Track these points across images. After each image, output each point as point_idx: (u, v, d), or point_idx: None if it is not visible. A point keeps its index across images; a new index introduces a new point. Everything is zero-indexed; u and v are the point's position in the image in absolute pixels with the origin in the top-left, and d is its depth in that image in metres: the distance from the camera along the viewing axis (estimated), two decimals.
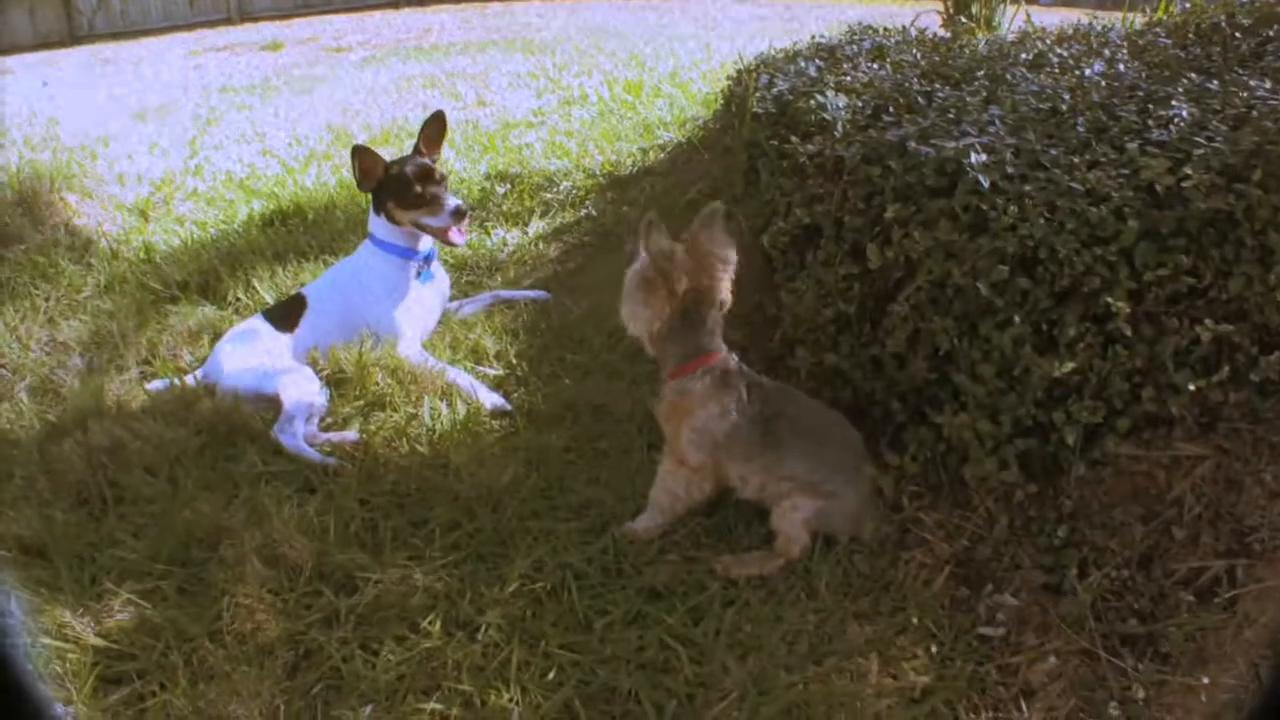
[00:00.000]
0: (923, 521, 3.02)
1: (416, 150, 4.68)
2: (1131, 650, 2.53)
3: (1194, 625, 2.50)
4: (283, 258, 5.33)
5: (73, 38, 19.46)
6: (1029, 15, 6.73)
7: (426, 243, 4.61)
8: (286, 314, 4.46)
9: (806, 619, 2.76)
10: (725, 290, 3.03)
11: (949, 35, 5.71)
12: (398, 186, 4.48)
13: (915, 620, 2.74)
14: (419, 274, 4.57)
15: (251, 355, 4.18)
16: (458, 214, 4.49)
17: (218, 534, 3.20)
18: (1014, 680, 2.55)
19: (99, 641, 2.82)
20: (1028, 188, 2.97)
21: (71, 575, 3.09)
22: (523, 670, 2.66)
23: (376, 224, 4.58)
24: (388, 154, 7.47)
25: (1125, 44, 4.57)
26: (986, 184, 2.99)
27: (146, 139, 8.46)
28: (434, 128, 4.75)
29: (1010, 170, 3.05)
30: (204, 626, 2.85)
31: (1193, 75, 3.68)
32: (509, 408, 3.96)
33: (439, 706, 2.58)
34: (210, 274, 5.21)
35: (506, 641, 2.76)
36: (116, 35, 19.40)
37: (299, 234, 5.77)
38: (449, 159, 7.28)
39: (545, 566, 3.02)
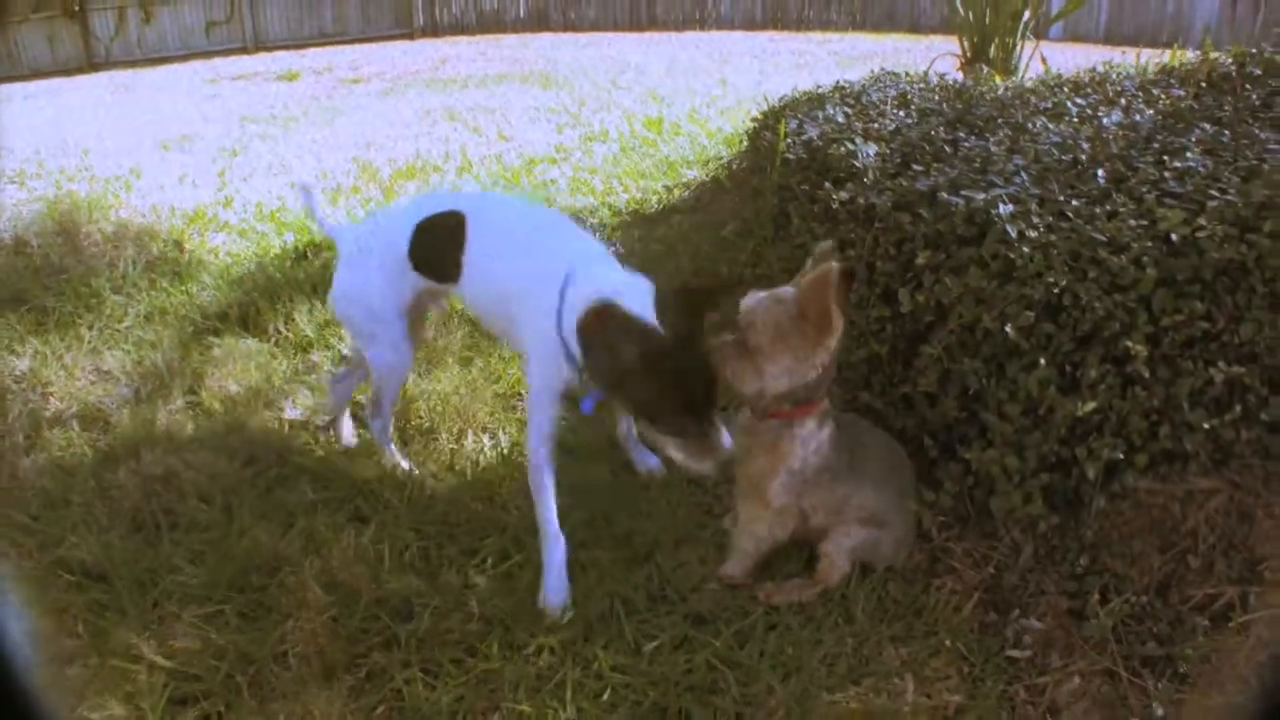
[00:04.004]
0: (952, 551, 3.21)
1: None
2: (1151, 671, 2.71)
3: (1209, 648, 2.68)
4: (319, 291, 5.50)
5: (90, 64, 19.80)
6: (1044, 59, 6.98)
7: None
8: (441, 256, 3.58)
9: (844, 642, 2.94)
10: None
11: (969, 81, 5.93)
12: (659, 391, 2.90)
13: (947, 643, 2.92)
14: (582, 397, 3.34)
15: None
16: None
17: (276, 561, 3.35)
18: (1041, 699, 2.73)
19: (165, 663, 2.96)
20: (1052, 237, 3.16)
21: (133, 599, 3.23)
22: (577, 691, 2.82)
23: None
24: (412, 189, 7.76)
25: (1140, 93, 4.79)
26: (1014, 234, 3.19)
27: (174, 169, 8.65)
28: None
29: (1036, 220, 3.24)
30: (268, 650, 2.99)
31: (1206, 125, 3.89)
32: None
33: None
34: (249, 307, 5.37)
35: (560, 664, 2.93)
36: (134, 63, 19.78)
37: (331, 268, 5.88)
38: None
39: (594, 594, 3.19)
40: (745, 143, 6.69)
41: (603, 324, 2.87)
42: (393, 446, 3.98)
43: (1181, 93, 4.60)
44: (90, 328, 5.22)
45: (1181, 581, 2.86)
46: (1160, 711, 2.61)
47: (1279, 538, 2.79)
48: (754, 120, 6.35)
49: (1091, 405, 2.93)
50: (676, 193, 7.02)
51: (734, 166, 6.87)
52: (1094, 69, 5.56)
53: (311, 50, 19.98)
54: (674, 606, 3.14)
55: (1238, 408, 2.89)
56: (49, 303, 5.47)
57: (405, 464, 3.94)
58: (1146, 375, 2.93)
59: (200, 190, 7.89)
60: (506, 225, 3.54)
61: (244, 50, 20.59)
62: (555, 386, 3.26)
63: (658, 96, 11.22)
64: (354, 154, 9.23)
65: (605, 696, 2.82)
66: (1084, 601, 2.91)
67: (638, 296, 2.93)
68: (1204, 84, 4.75)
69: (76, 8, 19.89)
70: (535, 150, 9.00)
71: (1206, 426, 2.88)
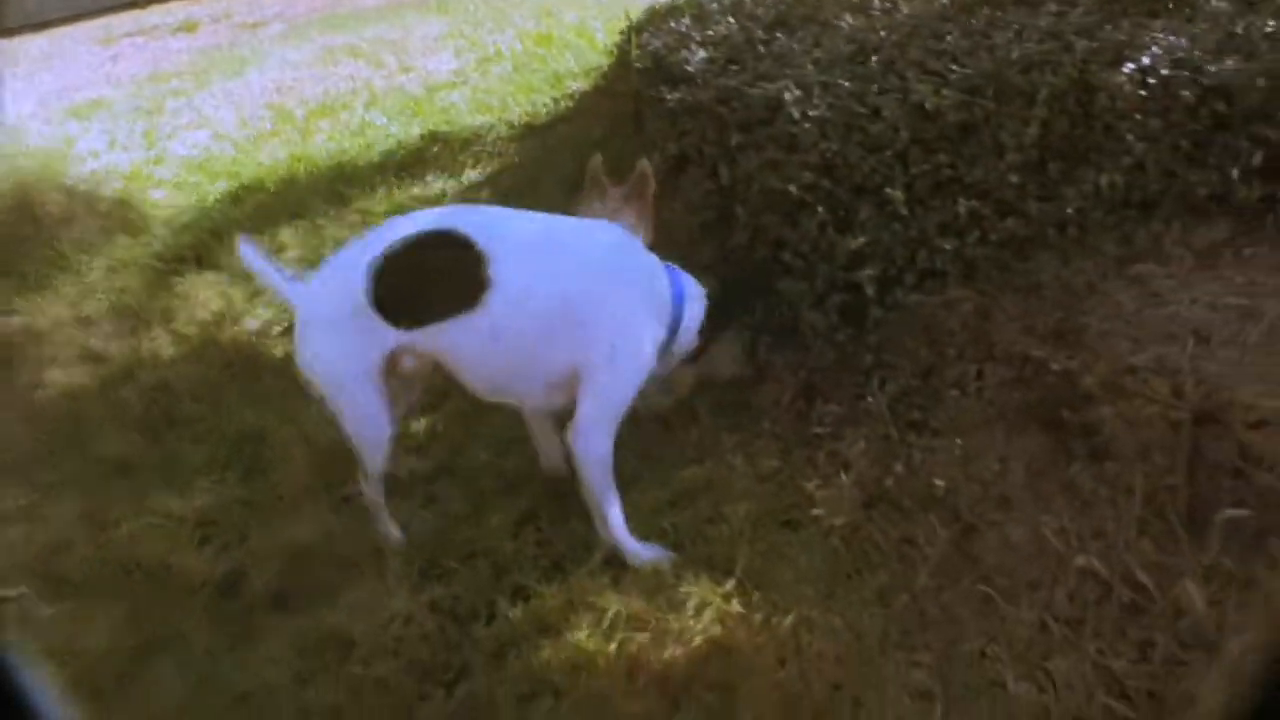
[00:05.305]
0: (775, 363, 4.27)
1: None
2: (915, 431, 3.81)
3: (956, 410, 3.79)
4: (259, 227, 6.50)
5: None
6: None
7: None
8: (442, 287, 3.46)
9: (691, 434, 4.10)
10: None
11: None
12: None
13: (767, 426, 4.06)
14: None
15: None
16: None
17: (262, 433, 4.45)
18: (837, 458, 3.84)
19: (186, 514, 4.13)
20: (829, 114, 4.24)
21: (157, 479, 4.37)
22: (495, 489, 4.05)
23: None
24: (325, 127, 8.71)
25: None
26: (797, 114, 4.26)
27: (101, 136, 9.52)
28: None
29: (817, 101, 4.31)
30: (267, 494, 4.15)
31: (986, 10, 4.88)
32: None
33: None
34: (201, 247, 6.40)
35: (486, 475, 4.13)
36: (15, 30, 19.12)
37: (266, 205, 6.96)
38: (382, 124, 8.50)
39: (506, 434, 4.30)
40: (616, 54, 7.70)
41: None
42: (386, 516, 3.90)
43: None
44: (65, 285, 6.22)
45: (940, 366, 3.93)
46: (918, 457, 3.72)
47: (1009, 326, 3.85)
48: (620, 34, 7.35)
49: (862, 240, 4.01)
50: (563, 104, 7.99)
51: (609, 75, 7.82)
52: None
53: None
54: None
55: (976, 232, 3.98)
56: (25, 268, 6.47)
57: (396, 534, 3.89)
58: (904, 213, 4.01)
59: (130, 153, 8.82)
60: (549, 239, 3.64)
61: (134, 5, 20.44)
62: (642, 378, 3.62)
63: (549, 12, 11.93)
64: (266, 100, 10.11)
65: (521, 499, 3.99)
66: (868, 389, 4.03)
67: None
68: None
69: None
70: (436, 77, 9.88)
71: (952, 248, 3.97)
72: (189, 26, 16.27)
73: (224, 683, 3.39)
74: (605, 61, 8.35)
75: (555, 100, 8.13)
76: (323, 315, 3.51)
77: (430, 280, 3.42)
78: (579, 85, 8.31)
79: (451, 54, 10.79)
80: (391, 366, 3.55)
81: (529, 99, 8.35)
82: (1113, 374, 3.42)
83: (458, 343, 3.48)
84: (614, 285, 3.56)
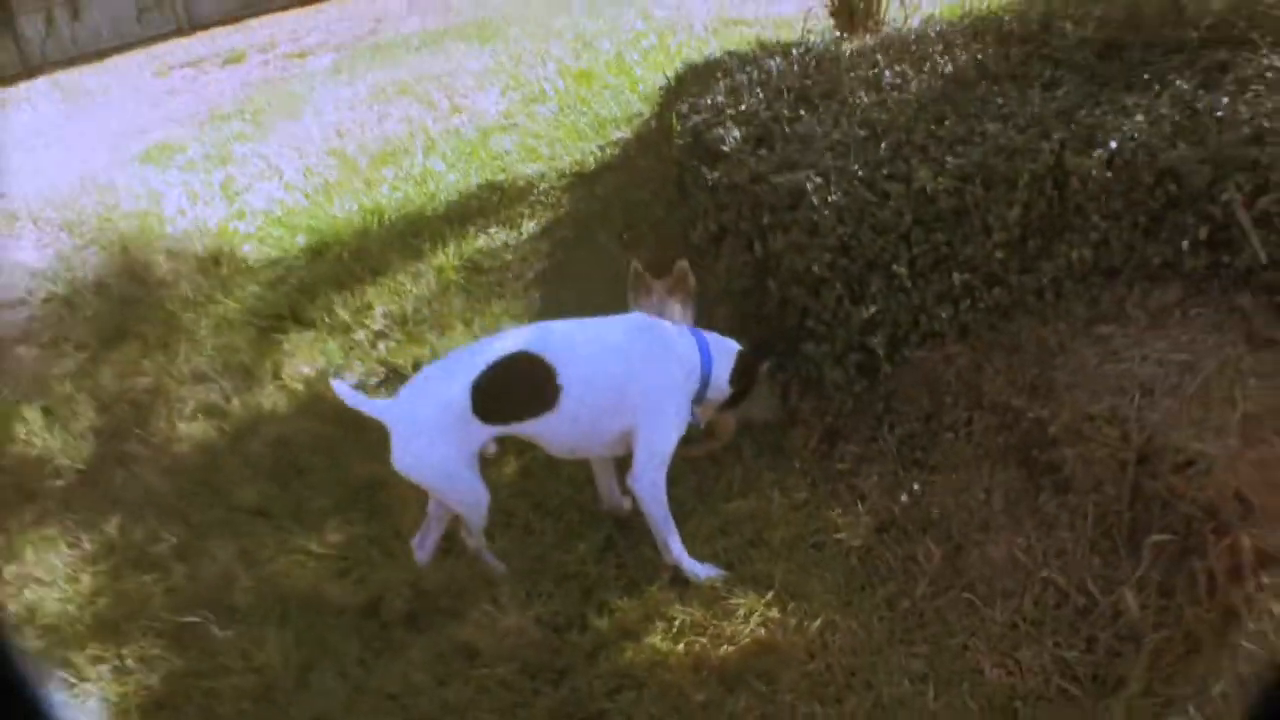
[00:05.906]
0: (802, 409, 5.23)
1: None
2: (917, 467, 4.76)
3: (951, 450, 4.70)
4: (345, 285, 7.47)
5: (26, 68, 19.88)
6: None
7: None
8: (525, 395, 4.64)
9: (736, 472, 5.08)
10: None
11: (832, 36, 7.67)
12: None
13: (797, 465, 5.04)
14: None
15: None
16: None
17: (377, 481, 5.36)
18: (855, 490, 4.81)
19: (328, 551, 5.11)
20: (844, 200, 5.09)
21: (291, 522, 5.35)
22: (579, 521, 5.06)
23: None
24: (388, 175, 9.53)
25: (946, 53, 6.34)
26: (817, 201, 5.12)
27: (183, 189, 10.42)
28: None
29: (833, 189, 5.15)
30: (389, 533, 5.13)
31: (984, 83, 5.63)
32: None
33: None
34: (293, 303, 7.36)
35: (570, 508, 5.12)
36: (71, 61, 20.01)
37: (347, 261, 7.85)
38: (441, 171, 9.35)
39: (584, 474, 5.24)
40: (656, 108, 8.52)
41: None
42: (490, 555, 4.92)
43: (963, 56, 6.24)
44: (179, 343, 7.18)
45: (939, 413, 4.83)
46: (917, 487, 4.66)
47: (996, 380, 4.70)
48: (661, 90, 8.08)
49: (873, 309, 4.89)
50: (608, 151, 8.73)
51: (651, 124, 8.58)
52: (918, 30, 7.10)
53: (248, 23, 20.48)
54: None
55: (969, 300, 4.81)
56: (144, 330, 7.45)
57: (501, 567, 4.90)
58: (908, 285, 4.88)
59: (213, 207, 9.75)
60: (594, 341, 4.77)
61: (179, 33, 20.94)
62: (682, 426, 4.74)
63: (586, 41, 12.50)
64: (328, 145, 10.88)
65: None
66: (880, 432, 4.97)
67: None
68: (990, 39, 6.27)
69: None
70: (486, 119, 10.56)
71: (948, 314, 4.82)
72: (237, 57, 16.94)
73: (376, 686, 4.38)
74: (645, 109, 9.15)
75: (601, 148, 8.86)
76: (427, 425, 4.53)
77: (516, 392, 4.59)
78: (622, 133, 9.03)
79: (498, 92, 11.40)
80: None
81: (576, 145, 9.08)
82: (1074, 421, 4.29)
83: (540, 431, 4.69)
84: (646, 363, 4.68)
